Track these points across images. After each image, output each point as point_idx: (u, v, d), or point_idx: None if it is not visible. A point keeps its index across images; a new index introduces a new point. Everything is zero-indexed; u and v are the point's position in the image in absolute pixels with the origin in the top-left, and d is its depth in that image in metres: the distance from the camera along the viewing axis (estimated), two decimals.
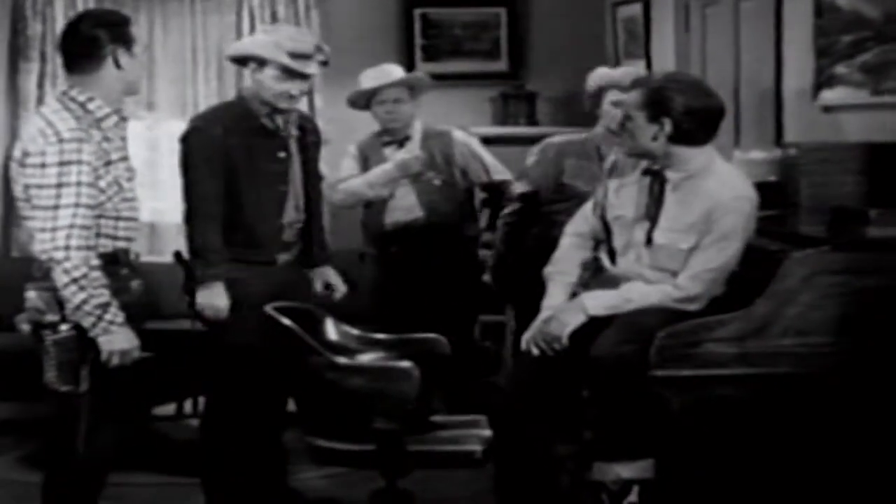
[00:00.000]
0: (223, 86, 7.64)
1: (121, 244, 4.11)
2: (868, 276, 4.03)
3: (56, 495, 4.14)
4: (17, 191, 4.07)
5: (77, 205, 3.91)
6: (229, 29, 7.59)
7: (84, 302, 3.93)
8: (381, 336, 4.89)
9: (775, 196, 4.81)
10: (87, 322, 3.95)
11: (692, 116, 4.21)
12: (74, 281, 3.91)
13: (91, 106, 4.03)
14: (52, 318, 4.00)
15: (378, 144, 6.03)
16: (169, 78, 7.59)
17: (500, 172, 6.08)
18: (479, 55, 7.47)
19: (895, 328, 4.00)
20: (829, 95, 5.37)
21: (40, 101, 7.33)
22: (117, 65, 4.04)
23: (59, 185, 3.90)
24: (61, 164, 3.91)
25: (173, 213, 7.59)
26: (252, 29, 7.50)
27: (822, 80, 5.41)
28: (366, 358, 4.76)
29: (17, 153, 4.05)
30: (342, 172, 6.02)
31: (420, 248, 5.94)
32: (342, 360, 4.57)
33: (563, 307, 4.32)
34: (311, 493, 5.55)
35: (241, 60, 5.16)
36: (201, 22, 7.63)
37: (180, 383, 6.28)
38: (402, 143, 5.97)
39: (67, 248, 3.90)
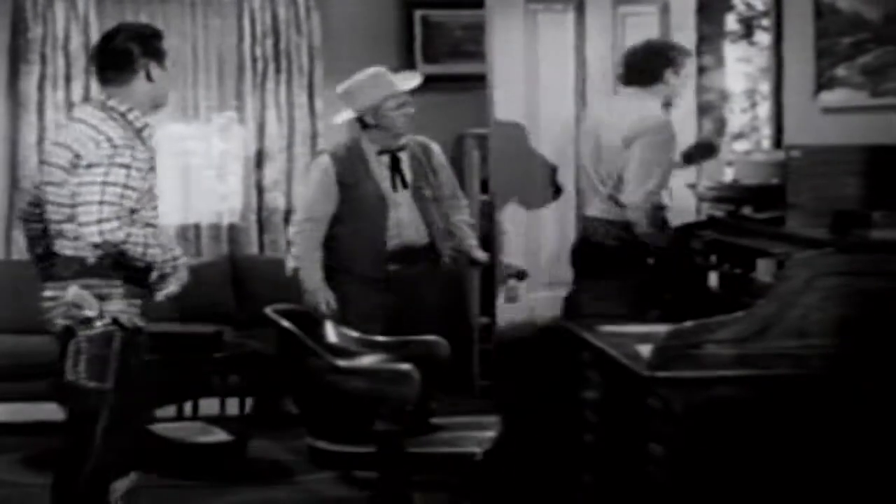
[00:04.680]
0: (223, 88, 7.64)
1: None
2: (870, 278, 4.02)
3: (67, 495, 4.13)
4: (51, 211, 4.08)
5: (121, 205, 3.98)
6: (230, 31, 7.59)
7: (163, 251, 4.07)
8: (380, 338, 4.89)
9: (777, 198, 4.81)
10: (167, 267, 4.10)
11: None
12: (147, 246, 4.02)
13: (130, 116, 4.16)
14: (90, 313, 4.03)
15: (364, 152, 5.68)
16: None
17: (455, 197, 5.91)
18: (479, 57, 7.43)
19: None
20: (829, 97, 5.37)
21: (40, 103, 7.34)
22: (149, 78, 4.17)
23: (105, 184, 3.97)
24: (110, 165, 3.98)
25: (171, 215, 7.61)
26: (252, 32, 7.50)
27: (823, 82, 5.40)
28: (366, 360, 4.76)
29: (59, 160, 4.06)
30: (302, 212, 5.79)
31: (417, 264, 5.68)
32: (342, 362, 4.57)
33: None
34: (312, 494, 5.55)
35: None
36: (202, 24, 7.62)
37: (181, 384, 6.28)
38: (396, 152, 5.67)
39: (115, 234, 3.96)
